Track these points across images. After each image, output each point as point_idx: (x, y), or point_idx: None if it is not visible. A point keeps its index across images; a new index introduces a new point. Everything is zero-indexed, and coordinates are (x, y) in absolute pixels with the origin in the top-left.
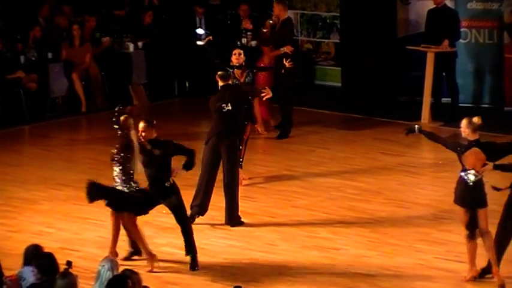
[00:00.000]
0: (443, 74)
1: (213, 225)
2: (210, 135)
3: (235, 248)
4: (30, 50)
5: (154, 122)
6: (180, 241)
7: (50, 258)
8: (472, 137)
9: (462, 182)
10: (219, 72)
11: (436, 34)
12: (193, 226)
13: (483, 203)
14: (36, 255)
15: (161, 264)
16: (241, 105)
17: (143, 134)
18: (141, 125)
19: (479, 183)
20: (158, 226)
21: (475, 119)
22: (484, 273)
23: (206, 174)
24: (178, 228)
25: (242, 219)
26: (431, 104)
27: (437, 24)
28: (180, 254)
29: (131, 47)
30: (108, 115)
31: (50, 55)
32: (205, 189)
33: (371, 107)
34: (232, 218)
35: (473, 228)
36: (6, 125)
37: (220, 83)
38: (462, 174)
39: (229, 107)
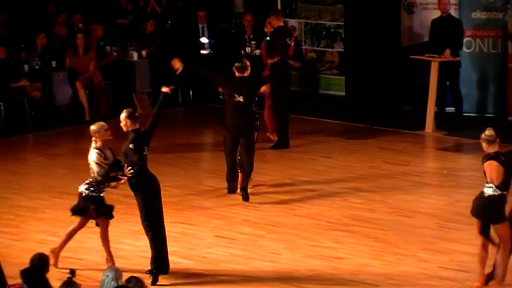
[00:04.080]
0: (448, 83)
1: (217, 235)
2: (227, 126)
3: (239, 257)
4: (34, 59)
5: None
6: (184, 250)
7: (38, 271)
8: (490, 149)
9: (480, 191)
10: (236, 64)
11: (440, 43)
12: (196, 234)
13: (495, 219)
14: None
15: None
16: (253, 97)
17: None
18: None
19: (495, 198)
20: None
21: (486, 132)
22: (489, 279)
23: (230, 158)
24: (183, 237)
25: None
26: (435, 113)
27: (441, 33)
28: (184, 262)
29: (135, 55)
30: (112, 124)
31: (53, 63)
32: (232, 172)
33: (375, 116)
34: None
35: (485, 237)
36: (10, 133)
37: (237, 74)
38: (485, 184)
39: (241, 99)
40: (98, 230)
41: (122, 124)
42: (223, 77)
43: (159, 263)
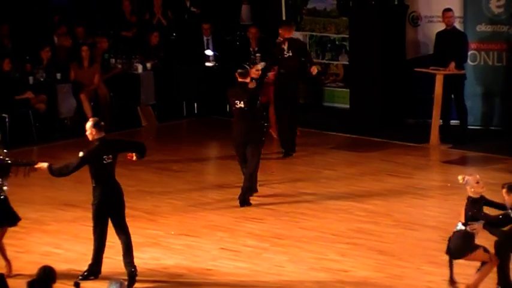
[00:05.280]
0: (452, 96)
1: (221, 247)
2: (234, 135)
3: (243, 270)
4: (39, 71)
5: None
6: (188, 262)
7: (46, 283)
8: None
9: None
10: (239, 70)
11: (445, 56)
12: (201, 246)
13: (455, 254)
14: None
15: (169, 285)
16: (254, 103)
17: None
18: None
19: (461, 234)
20: (167, 247)
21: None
22: None
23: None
24: (187, 250)
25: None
26: (440, 126)
27: (446, 46)
28: (189, 275)
29: (140, 68)
30: (117, 136)
31: (58, 76)
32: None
33: (379, 129)
34: (244, 200)
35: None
36: (15, 146)
37: (239, 80)
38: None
39: (242, 105)
40: None
41: (88, 133)
42: (229, 100)
43: (94, 270)
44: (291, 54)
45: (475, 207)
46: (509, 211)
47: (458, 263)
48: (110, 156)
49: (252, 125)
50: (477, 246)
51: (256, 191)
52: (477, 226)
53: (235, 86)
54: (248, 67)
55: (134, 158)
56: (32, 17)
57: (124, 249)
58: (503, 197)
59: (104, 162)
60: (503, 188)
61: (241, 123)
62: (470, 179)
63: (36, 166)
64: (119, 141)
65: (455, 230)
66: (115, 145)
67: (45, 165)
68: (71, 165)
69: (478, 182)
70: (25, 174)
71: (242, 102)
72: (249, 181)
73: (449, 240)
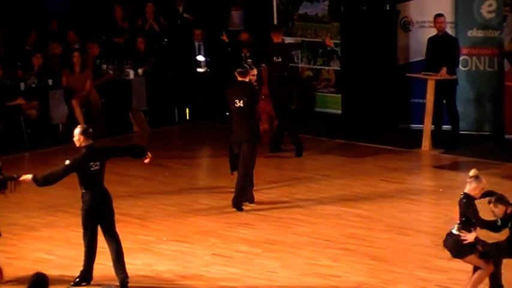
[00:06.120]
0: (444, 101)
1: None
2: (230, 134)
3: (235, 275)
4: (31, 77)
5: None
6: (180, 268)
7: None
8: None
9: None
10: (238, 69)
11: (437, 61)
12: (193, 252)
13: (455, 254)
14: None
15: None
16: (254, 103)
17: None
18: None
19: (455, 238)
20: (159, 253)
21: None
22: None
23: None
24: (179, 256)
25: (243, 207)
26: (431, 132)
27: (437, 51)
28: (181, 280)
29: (131, 73)
30: (109, 142)
31: (50, 82)
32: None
33: (371, 134)
34: (237, 203)
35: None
36: (6, 152)
37: (239, 79)
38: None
39: (241, 104)
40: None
41: (75, 139)
42: (228, 99)
43: (86, 276)
44: (280, 59)
45: (471, 207)
46: (498, 220)
47: (450, 268)
48: (98, 163)
49: (249, 124)
50: (472, 251)
51: (253, 198)
52: (469, 238)
53: (235, 85)
54: (248, 67)
55: (147, 160)
56: (26, 23)
57: (114, 256)
58: (492, 210)
59: (91, 169)
60: (489, 203)
61: (239, 123)
62: (482, 181)
63: (20, 179)
64: (107, 149)
65: (451, 229)
66: (103, 152)
67: (29, 176)
68: (58, 173)
69: (483, 189)
70: (11, 190)
71: (242, 101)
72: (242, 182)
73: (445, 240)
